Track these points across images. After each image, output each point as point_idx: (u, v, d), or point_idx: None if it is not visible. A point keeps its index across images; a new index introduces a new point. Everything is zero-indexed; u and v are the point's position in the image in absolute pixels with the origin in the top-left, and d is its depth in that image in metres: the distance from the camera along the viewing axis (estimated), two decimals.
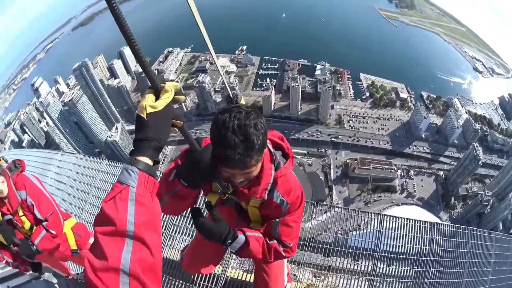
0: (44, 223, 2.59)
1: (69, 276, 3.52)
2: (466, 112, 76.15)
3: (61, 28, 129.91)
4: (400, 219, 4.05)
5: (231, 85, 72.48)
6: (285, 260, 2.46)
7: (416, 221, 4.05)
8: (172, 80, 73.93)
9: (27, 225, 2.57)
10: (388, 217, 4.05)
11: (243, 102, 1.93)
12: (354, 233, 4.03)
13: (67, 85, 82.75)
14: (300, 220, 1.86)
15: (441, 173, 68.49)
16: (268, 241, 1.73)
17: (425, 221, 4.04)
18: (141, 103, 1.05)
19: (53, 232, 2.63)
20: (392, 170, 65.71)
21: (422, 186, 66.02)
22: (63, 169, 6.20)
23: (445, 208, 64.56)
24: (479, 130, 71.74)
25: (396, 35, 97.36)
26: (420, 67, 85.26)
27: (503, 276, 4.64)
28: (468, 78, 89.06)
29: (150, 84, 1.07)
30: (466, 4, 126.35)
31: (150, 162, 1.03)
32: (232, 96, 1.97)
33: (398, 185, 64.85)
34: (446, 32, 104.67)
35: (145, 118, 1.03)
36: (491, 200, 62.37)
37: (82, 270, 3.73)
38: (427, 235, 3.96)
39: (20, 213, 2.53)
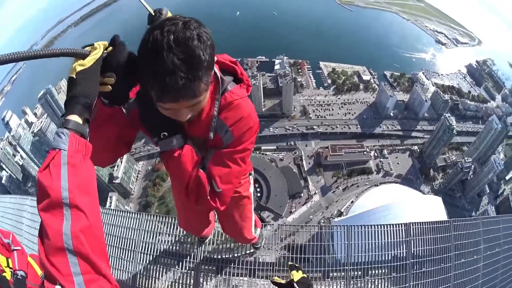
0: (12, 246, 2.73)
1: None
2: (433, 84, 75.94)
3: None
4: (369, 227, 3.84)
5: None
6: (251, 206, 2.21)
7: (388, 226, 3.84)
8: None
9: (4, 263, 2.55)
10: (357, 227, 3.84)
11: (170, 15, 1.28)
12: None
13: (35, 114, 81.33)
14: (245, 164, 1.45)
15: (416, 147, 68.18)
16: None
17: (398, 224, 3.84)
18: (71, 66, 1.01)
19: (19, 247, 2.78)
20: (365, 152, 64.94)
21: (398, 163, 65.36)
22: (34, 214, 5.85)
23: (425, 180, 63.88)
24: (449, 100, 71.81)
25: (352, 19, 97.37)
26: (380, 47, 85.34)
27: (498, 257, 4.48)
28: (430, 51, 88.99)
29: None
30: None
31: (79, 120, 0.96)
32: (154, 13, 1.26)
33: (374, 166, 63.71)
34: (404, 9, 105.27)
35: (75, 77, 0.99)
36: (473, 166, 61.37)
37: None
38: (402, 238, 3.76)
39: None
